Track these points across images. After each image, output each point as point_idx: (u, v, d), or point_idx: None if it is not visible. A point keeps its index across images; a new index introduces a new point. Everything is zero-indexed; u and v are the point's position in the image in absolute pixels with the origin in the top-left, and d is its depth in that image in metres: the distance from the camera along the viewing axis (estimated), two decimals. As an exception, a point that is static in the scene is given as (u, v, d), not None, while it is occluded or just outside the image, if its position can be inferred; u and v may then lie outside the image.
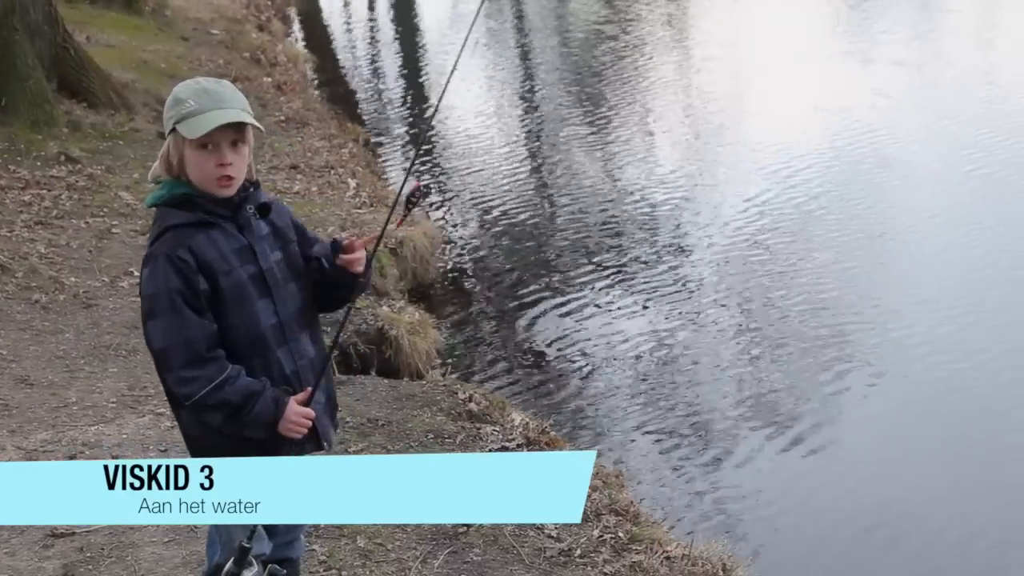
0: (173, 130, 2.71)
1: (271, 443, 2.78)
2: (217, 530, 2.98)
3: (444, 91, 3.85)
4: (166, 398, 2.87)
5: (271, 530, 3.05)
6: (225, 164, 2.71)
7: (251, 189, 2.83)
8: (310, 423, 2.79)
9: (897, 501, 5.71)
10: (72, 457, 4.63)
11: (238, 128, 2.71)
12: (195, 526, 4.11)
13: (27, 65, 8.98)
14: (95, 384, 5.38)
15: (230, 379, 2.69)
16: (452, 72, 3.34)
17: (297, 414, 2.77)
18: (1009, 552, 5.35)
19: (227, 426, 2.74)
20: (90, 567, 3.91)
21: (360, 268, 2.89)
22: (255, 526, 2.77)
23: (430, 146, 12.65)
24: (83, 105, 9.65)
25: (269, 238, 2.84)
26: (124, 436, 4.83)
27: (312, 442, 2.88)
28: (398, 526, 4.21)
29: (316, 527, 4.05)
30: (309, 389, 2.80)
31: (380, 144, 12.75)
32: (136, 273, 6.62)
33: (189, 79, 2.81)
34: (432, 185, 11.44)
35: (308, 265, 2.93)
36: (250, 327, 2.77)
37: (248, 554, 2.74)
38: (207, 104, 2.68)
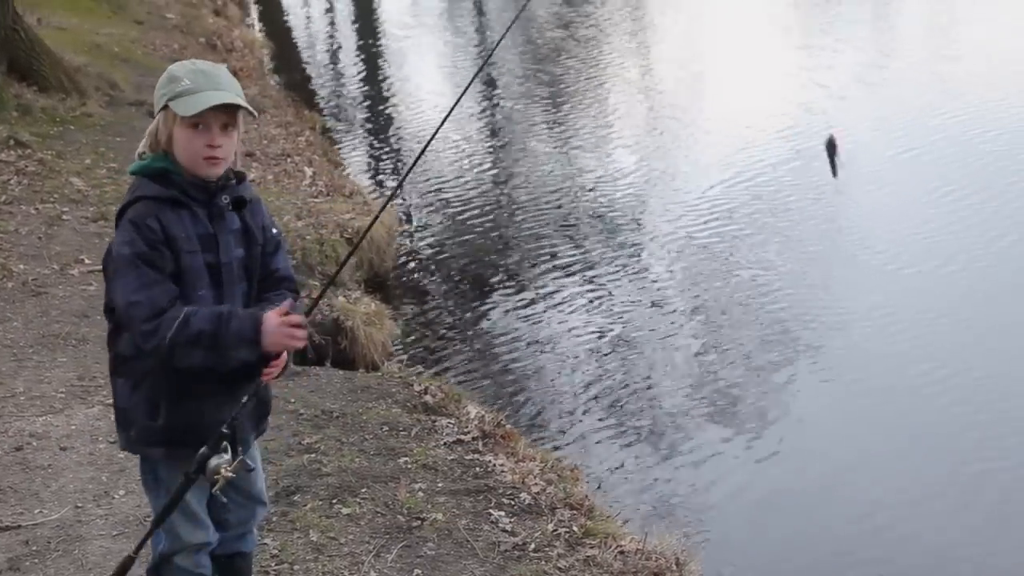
0: (165, 107, 2.71)
1: (192, 435, 2.70)
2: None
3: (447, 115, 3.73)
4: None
5: (223, 523, 3.02)
6: (214, 145, 2.71)
7: (232, 180, 2.82)
8: (304, 333, 2.69)
9: (850, 494, 5.76)
10: (19, 449, 4.55)
11: (230, 112, 2.72)
12: (144, 518, 4.06)
13: (-25, 47, 8.81)
14: (44, 374, 5.28)
15: (193, 313, 2.65)
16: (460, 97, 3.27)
17: (280, 323, 2.67)
18: (961, 538, 5.44)
19: (211, 357, 2.64)
20: (36, 560, 3.84)
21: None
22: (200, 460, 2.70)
23: (390, 136, 12.59)
24: (33, 89, 9.47)
25: (237, 234, 2.82)
26: (73, 427, 4.75)
27: (229, 438, 2.74)
28: (351, 519, 4.18)
29: (268, 520, 4.00)
30: (288, 302, 2.74)
31: (337, 132, 12.66)
32: (87, 261, 6.51)
33: (185, 60, 2.83)
34: (390, 174, 11.39)
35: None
36: None
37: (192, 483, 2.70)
38: (203, 84, 2.69)
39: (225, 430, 2.70)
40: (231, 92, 2.72)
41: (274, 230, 2.95)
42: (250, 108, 2.76)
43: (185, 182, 2.73)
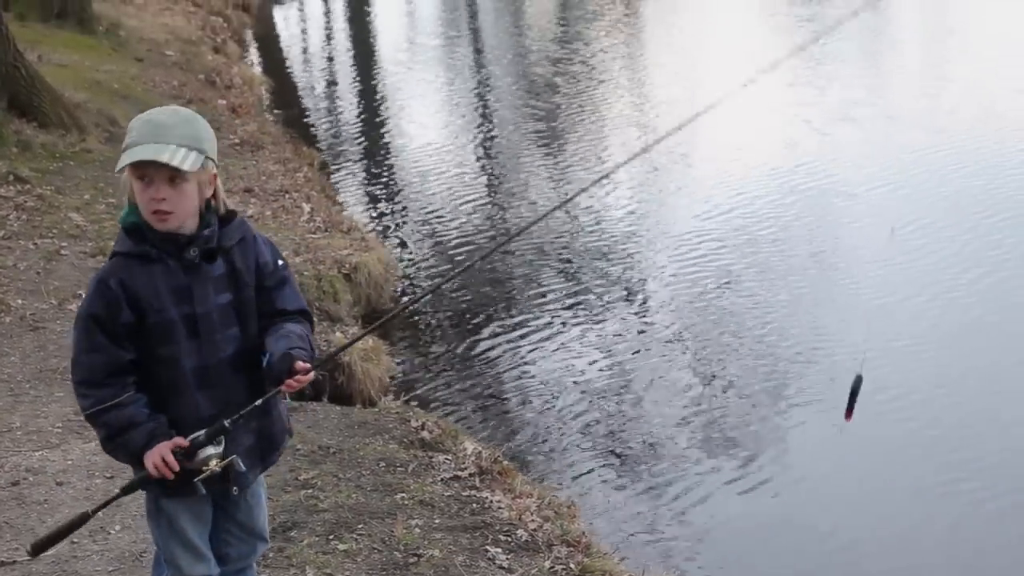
0: None
1: (195, 472, 2.75)
2: (161, 550, 2.97)
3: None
4: None
5: (223, 557, 3.02)
6: (158, 199, 2.65)
7: (209, 228, 2.77)
8: (169, 471, 2.71)
9: (850, 531, 5.74)
10: (15, 484, 4.55)
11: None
12: (140, 554, 4.05)
13: (-24, 83, 8.85)
14: (40, 408, 5.28)
15: (119, 405, 2.72)
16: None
17: (163, 455, 2.70)
18: (952, 571, 5.44)
19: (104, 444, 2.81)
20: (31, 597, 3.83)
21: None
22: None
23: (388, 172, 12.65)
24: (33, 125, 9.51)
25: (221, 280, 2.79)
26: (69, 462, 4.75)
27: (188, 486, 2.75)
28: (348, 556, 4.17)
29: (265, 556, 3.99)
30: (188, 440, 2.72)
31: (335, 168, 12.71)
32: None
33: (156, 108, 2.79)
34: (388, 210, 11.43)
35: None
36: (172, 366, 2.76)
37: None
38: (144, 137, 2.62)
39: (227, 424, 2.72)
40: (171, 144, 2.59)
41: (279, 262, 2.91)
42: (176, 165, 2.59)
43: (156, 236, 2.71)
